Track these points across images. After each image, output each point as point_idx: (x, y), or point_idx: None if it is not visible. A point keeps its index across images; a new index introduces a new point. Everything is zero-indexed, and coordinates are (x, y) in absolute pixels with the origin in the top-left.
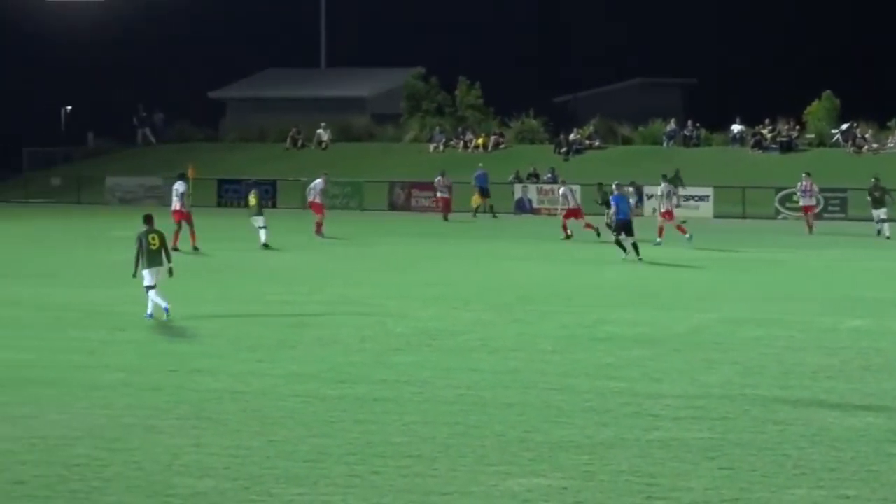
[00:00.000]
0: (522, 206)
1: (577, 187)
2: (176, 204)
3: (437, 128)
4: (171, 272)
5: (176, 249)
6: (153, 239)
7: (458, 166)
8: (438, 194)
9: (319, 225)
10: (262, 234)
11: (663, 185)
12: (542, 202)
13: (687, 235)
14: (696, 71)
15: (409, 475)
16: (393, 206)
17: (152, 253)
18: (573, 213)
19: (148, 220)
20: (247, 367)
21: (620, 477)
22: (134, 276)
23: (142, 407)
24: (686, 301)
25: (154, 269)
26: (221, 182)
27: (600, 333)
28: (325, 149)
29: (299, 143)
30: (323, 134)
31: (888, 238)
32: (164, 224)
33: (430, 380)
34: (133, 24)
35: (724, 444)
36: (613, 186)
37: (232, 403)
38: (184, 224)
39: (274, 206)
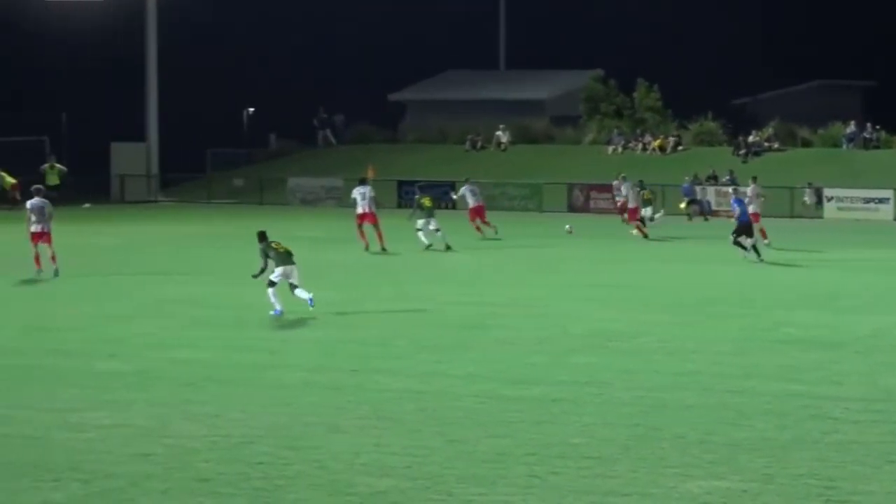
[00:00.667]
0: (701, 208)
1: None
2: (360, 207)
3: (616, 130)
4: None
5: (366, 249)
6: (277, 245)
7: (637, 168)
8: (618, 197)
9: (479, 228)
10: (440, 236)
11: (752, 186)
12: (720, 204)
13: (767, 241)
14: (876, 73)
15: (589, 476)
16: (572, 208)
17: (281, 255)
18: (632, 211)
19: (262, 237)
20: (426, 368)
21: (800, 480)
22: (255, 276)
23: (323, 406)
24: (866, 303)
25: (289, 268)
26: (401, 183)
27: (779, 335)
28: (503, 151)
29: (478, 144)
30: (502, 136)
31: None
32: (351, 225)
33: (609, 381)
34: (316, 28)
35: None
36: (731, 190)
37: (411, 403)
38: (366, 225)
39: (453, 207)
